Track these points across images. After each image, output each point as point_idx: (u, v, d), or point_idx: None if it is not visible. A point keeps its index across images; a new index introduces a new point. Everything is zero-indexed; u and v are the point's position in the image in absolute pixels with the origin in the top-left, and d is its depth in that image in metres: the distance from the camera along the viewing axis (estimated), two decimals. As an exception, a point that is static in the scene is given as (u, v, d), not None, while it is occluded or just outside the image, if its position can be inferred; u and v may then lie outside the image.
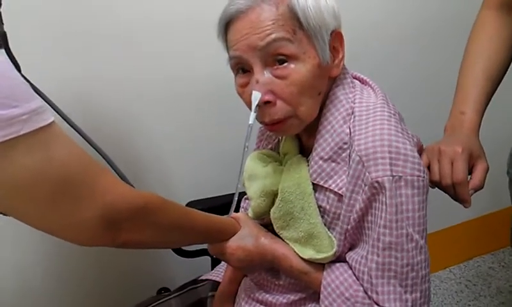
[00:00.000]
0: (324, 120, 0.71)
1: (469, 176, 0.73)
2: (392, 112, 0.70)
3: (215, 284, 0.95)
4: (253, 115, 0.68)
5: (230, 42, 0.69)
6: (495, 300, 1.57)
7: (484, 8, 0.85)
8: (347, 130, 0.69)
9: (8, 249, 1.15)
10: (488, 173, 0.74)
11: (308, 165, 0.73)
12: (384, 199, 0.63)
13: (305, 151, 0.77)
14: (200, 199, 1.12)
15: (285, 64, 0.66)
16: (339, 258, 0.72)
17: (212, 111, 1.24)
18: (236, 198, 0.76)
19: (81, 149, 0.55)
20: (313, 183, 0.71)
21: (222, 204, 0.98)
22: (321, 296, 0.69)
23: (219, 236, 0.75)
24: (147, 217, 0.61)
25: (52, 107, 0.68)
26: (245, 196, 0.93)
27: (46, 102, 0.65)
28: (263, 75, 0.67)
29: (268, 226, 0.78)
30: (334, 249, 0.69)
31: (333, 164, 0.69)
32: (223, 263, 0.98)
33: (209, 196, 1.13)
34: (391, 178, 0.63)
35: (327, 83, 0.71)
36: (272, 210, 0.75)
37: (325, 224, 0.71)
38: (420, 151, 0.75)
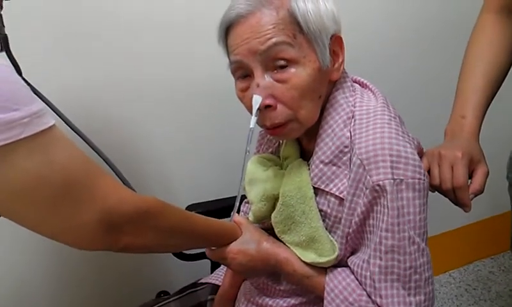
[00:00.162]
0: (324, 124, 0.71)
1: (469, 181, 0.73)
2: (393, 115, 0.70)
3: (214, 288, 0.94)
4: (253, 119, 0.68)
5: (231, 47, 0.69)
6: (495, 304, 1.56)
7: (484, 12, 0.85)
8: (348, 134, 0.69)
9: (5, 250, 1.15)
10: (487, 177, 0.74)
11: (309, 169, 0.73)
12: (385, 203, 0.63)
13: (306, 155, 0.77)
14: (200, 202, 1.12)
15: (286, 68, 0.66)
16: (341, 262, 0.71)
17: (212, 113, 1.24)
18: (237, 204, 0.76)
19: (82, 152, 0.54)
20: (314, 187, 0.71)
21: (222, 208, 0.98)
22: (325, 302, 0.69)
23: (219, 241, 0.75)
24: (148, 221, 0.60)
25: (52, 110, 0.68)
26: (245, 200, 0.92)
27: (46, 104, 0.64)
28: (263, 79, 0.67)
29: (268, 230, 0.78)
30: (336, 253, 0.69)
31: (334, 168, 0.69)
32: (222, 266, 0.98)
33: (209, 199, 1.13)
34: (392, 181, 0.63)
35: (327, 87, 0.71)
36: (273, 215, 0.74)
37: (326, 228, 0.71)
38: (421, 154, 0.75)
